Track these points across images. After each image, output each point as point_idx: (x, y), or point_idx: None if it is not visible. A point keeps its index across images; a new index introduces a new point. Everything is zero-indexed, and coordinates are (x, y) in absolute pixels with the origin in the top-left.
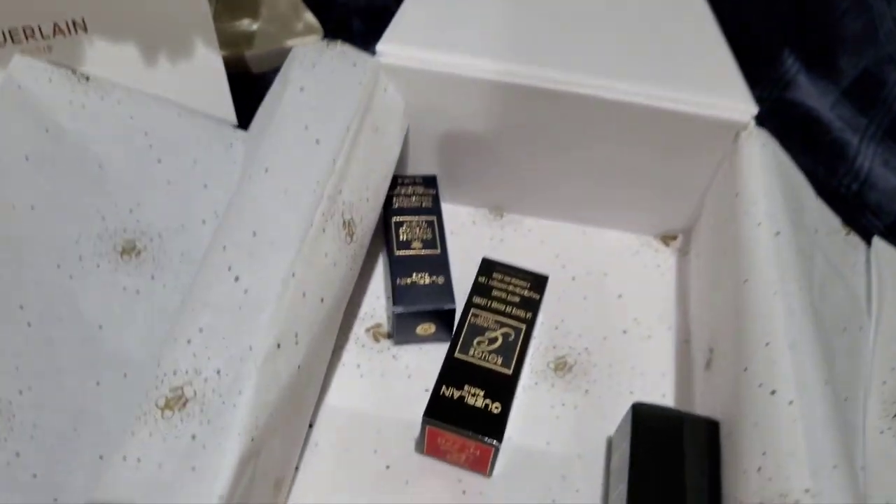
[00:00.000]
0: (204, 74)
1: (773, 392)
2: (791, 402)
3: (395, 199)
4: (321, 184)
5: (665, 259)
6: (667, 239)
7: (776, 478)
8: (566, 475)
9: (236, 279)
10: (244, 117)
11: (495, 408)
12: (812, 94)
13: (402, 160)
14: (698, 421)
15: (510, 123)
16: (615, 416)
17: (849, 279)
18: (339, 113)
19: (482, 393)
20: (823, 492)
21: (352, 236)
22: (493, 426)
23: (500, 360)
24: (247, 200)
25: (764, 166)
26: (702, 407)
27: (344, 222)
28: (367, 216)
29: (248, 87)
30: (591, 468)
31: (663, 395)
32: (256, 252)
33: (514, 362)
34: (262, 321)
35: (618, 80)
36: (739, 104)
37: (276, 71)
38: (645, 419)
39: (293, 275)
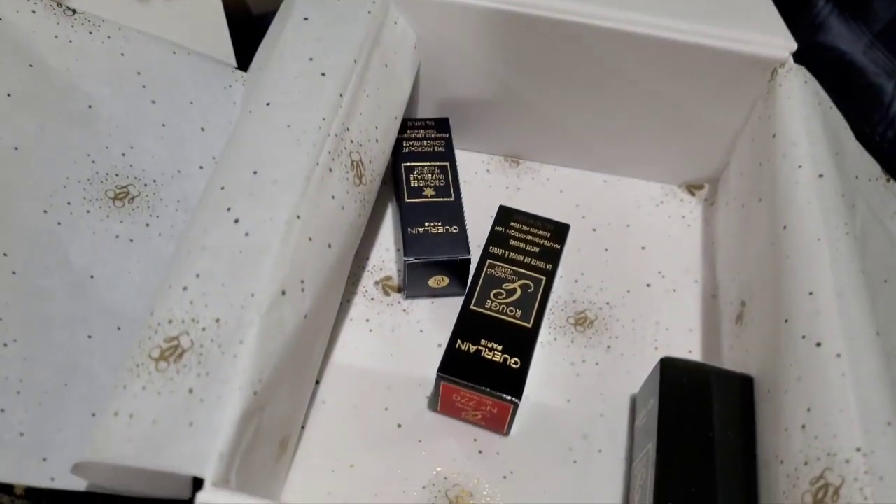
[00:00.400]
0: (200, 12)
1: (818, 344)
2: (839, 355)
3: (405, 143)
4: (327, 120)
5: (691, 209)
6: (693, 188)
7: (823, 435)
8: (588, 434)
9: (236, 221)
10: (244, 60)
11: (514, 363)
12: (845, 37)
13: (411, 102)
14: (731, 376)
15: (529, 61)
16: (639, 374)
17: (889, 227)
18: (346, 44)
19: (500, 348)
20: (877, 451)
21: (360, 178)
22: (513, 382)
23: (518, 314)
24: (247, 137)
25: (805, 105)
26: (731, 363)
27: (352, 163)
28: (377, 158)
29: (249, 29)
30: (614, 427)
31: (689, 351)
32: (258, 192)
33: (533, 315)
34: (266, 266)
35: (644, 13)
36: (777, 39)
37: (277, 13)
38: (674, 375)
39: (298, 217)
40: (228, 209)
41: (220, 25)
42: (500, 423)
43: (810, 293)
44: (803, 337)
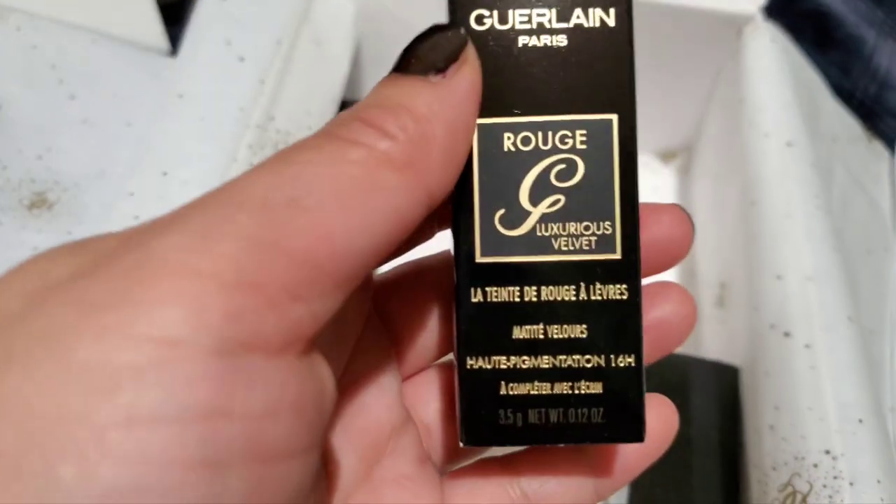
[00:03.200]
0: None
1: (786, 334)
2: (808, 346)
3: None
4: (246, 110)
5: (664, 180)
6: (666, 157)
7: (791, 437)
8: None
9: None
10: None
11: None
12: None
13: (358, 83)
14: (713, 367)
15: None
16: None
17: (872, 192)
18: (268, 23)
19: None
20: (847, 453)
21: None
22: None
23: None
24: (156, 134)
25: (772, 66)
26: (714, 351)
27: None
28: None
29: (187, 10)
30: None
31: None
32: (167, 195)
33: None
34: None
35: None
36: None
37: None
38: (655, 366)
39: None
40: (136, 217)
41: (149, 7)
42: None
43: (778, 277)
44: (771, 326)
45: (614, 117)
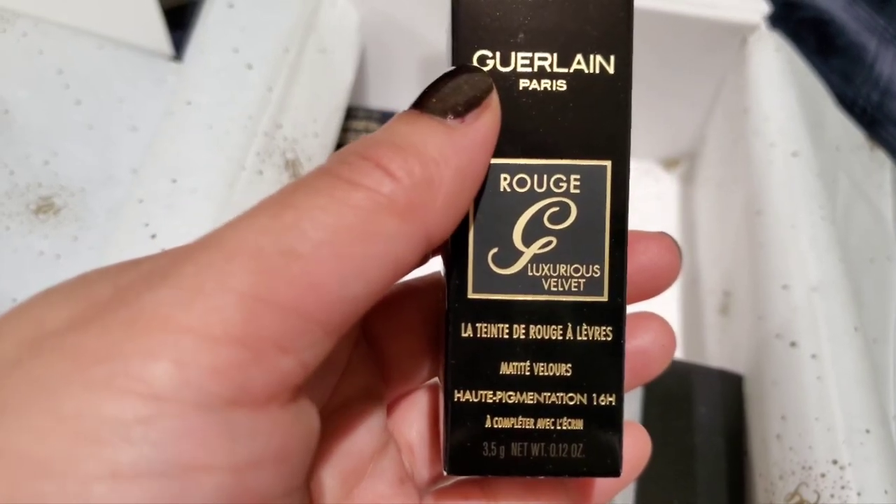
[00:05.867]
0: None
1: (793, 344)
2: (814, 356)
3: (342, 134)
4: (254, 117)
5: (667, 187)
6: (669, 164)
7: (798, 447)
8: None
9: (153, 237)
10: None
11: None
12: None
13: (362, 90)
14: (717, 375)
15: None
16: None
17: (875, 201)
18: (275, 31)
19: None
20: (855, 462)
21: (297, 178)
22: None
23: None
24: (165, 142)
25: (777, 75)
26: (719, 359)
27: (287, 162)
28: (317, 154)
29: (190, 15)
30: None
31: None
32: (176, 203)
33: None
34: None
35: None
36: (747, 2)
37: None
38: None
39: None
40: (146, 224)
41: (153, 12)
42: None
43: (784, 287)
44: (777, 336)
45: (608, 164)
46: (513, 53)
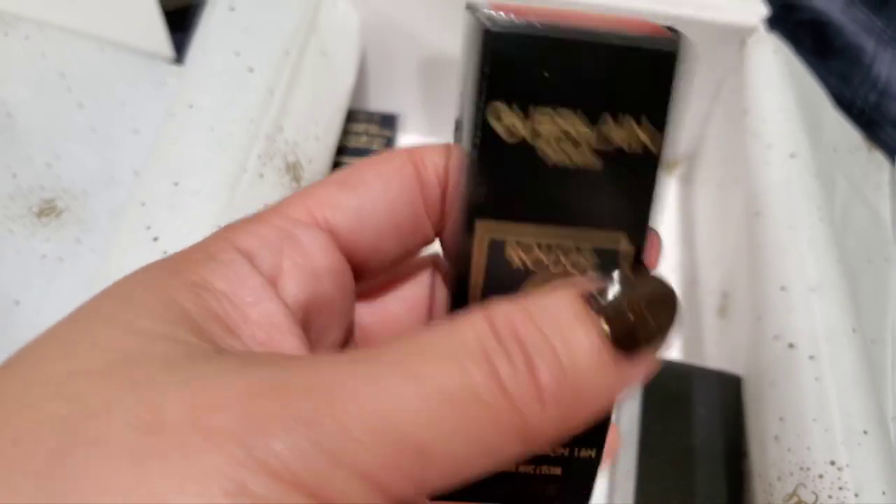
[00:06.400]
0: (131, 1)
1: (791, 345)
2: (812, 357)
3: (342, 137)
4: (256, 120)
5: (666, 188)
6: (668, 165)
7: (796, 447)
8: None
9: (155, 239)
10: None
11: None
12: None
13: (363, 92)
14: (716, 376)
15: None
16: None
17: (873, 202)
18: (276, 34)
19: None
20: (852, 463)
21: (298, 181)
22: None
23: None
24: (167, 144)
25: (775, 77)
26: (717, 360)
27: (287, 165)
28: (318, 157)
29: (191, 17)
30: None
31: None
32: (178, 205)
33: None
34: None
35: None
36: (746, 5)
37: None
38: (658, 377)
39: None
40: (148, 227)
41: (154, 15)
42: None
43: (782, 288)
44: (775, 337)
45: (625, 241)
46: (538, 113)
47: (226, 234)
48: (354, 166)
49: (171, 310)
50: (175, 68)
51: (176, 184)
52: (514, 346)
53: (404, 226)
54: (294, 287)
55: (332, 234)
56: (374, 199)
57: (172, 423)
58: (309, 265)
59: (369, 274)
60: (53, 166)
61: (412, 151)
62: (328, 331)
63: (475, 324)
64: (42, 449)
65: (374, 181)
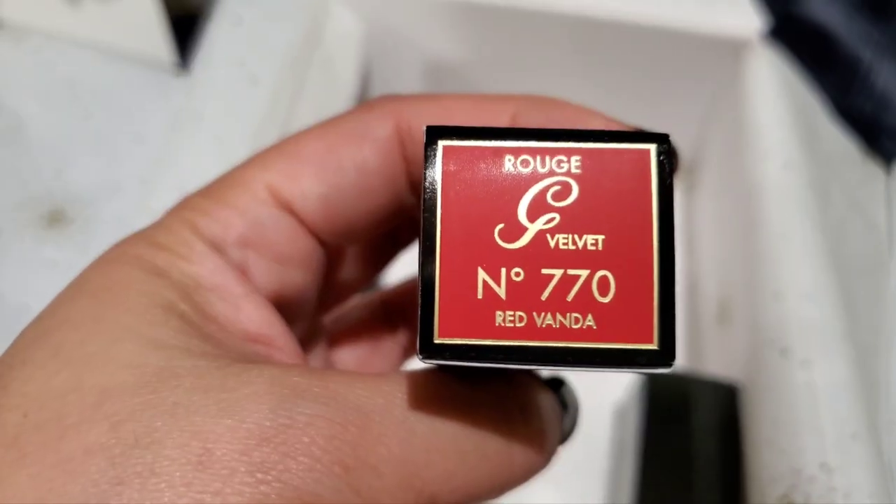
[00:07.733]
0: (138, 12)
1: (783, 350)
2: (805, 362)
3: None
4: (260, 130)
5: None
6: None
7: (788, 450)
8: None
9: None
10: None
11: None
12: (822, 6)
13: (364, 99)
14: (714, 385)
15: (487, 52)
16: (614, 380)
17: (869, 214)
18: (281, 44)
19: None
20: (842, 466)
21: None
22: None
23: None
24: (173, 154)
25: (771, 88)
26: (716, 367)
27: None
28: None
29: (194, 25)
30: (590, 441)
31: None
32: None
33: None
34: None
35: None
36: (741, 18)
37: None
38: (656, 385)
39: None
40: None
41: (160, 26)
42: None
43: (776, 295)
44: (770, 343)
45: None
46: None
47: (188, 216)
48: (324, 130)
49: (172, 315)
50: (182, 79)
51: (182, 192)
52: None
53: (381, 210)
54: (262, 279)
55: (299, 218)
56: (345, 190)
57: (221, 457)
58: (276, 256)
59: (344, 247)
60: (62, 175)
61: (395, 110)
62: (299, 314)
63: None
64: (101, 478)
65: (347, 165)
